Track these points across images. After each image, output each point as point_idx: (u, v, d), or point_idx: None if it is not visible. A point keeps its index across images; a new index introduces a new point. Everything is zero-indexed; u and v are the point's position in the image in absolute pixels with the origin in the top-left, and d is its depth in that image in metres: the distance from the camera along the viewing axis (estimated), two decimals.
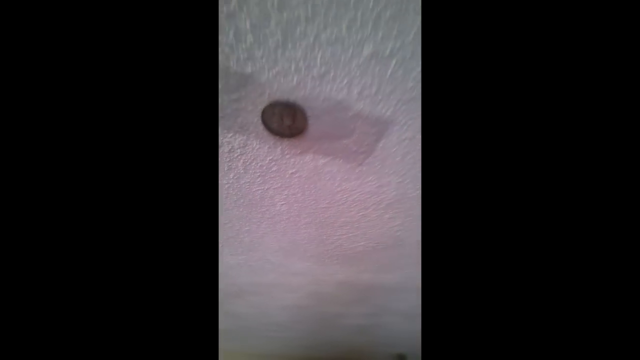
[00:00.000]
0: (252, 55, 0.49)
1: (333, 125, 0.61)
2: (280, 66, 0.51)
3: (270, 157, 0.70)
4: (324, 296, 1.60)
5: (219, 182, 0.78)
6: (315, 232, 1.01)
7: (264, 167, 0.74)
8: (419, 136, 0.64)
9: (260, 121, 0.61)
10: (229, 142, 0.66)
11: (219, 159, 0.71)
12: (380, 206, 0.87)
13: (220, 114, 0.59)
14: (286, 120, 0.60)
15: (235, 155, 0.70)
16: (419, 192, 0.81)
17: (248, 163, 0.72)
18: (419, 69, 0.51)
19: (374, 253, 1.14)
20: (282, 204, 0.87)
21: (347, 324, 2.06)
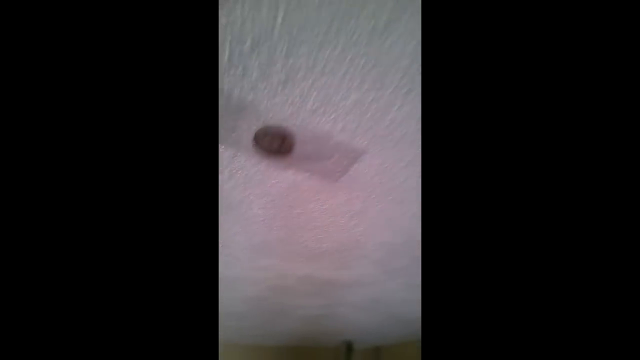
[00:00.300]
0: (256, 87, 0.56)
1: (316, 149, 0.70)
2: (278, 99, 0.58)
3: (256, 169, 0.77)
4: (284, 289, 1.70)
5: None
6: (286, 234, 1.10)
7: (248, 177, 0.80)
8: (388, 162, 0.75)
9: (252, 139, 0.67)
10: (219, 153, 0.72)
11: None
12: (347, 215, 0.99)
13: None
14: (275, 142, 0.67)
15: (223, 164, 0.75)
16: (382, 205, 0.94)
17: (234, 172, 0.78)
18: (394, 113, 0.62)
19: (336, 253, 1.27)
20: (259, 208, 0.94)
21: (302, 314, 2.19)
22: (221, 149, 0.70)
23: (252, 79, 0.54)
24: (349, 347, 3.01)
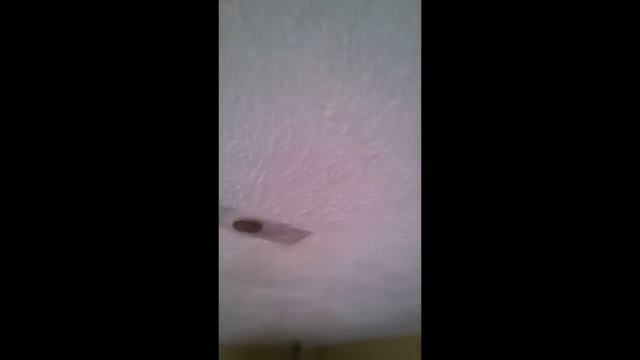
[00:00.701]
0: (238, 203, 0.85)
1: (277, 230, 1.01)
2: (254, 209, 0.88)
3: (232, 236, 1.06)
4: (244, 303, 1.99)
5: None
6: (253, 270, 1.39)
7: (226, 240, 1.08)
8: (327, 239, 1.08)
9: (232, 224, 0.96)
10: None
11: None
12: (298, 261, 1.31)
13: None
14: (247, 226, 0.97)
15: None
16: (325, 257, 1.27)
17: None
18: (332, 217, 0.94)
19: (289, 282, 1.59)
20: (230, 256, 1.23)
21: (259, 321, 2.49)
22: None
23: (238, 199, 0.84)
24: (297, 346, 3.38)
